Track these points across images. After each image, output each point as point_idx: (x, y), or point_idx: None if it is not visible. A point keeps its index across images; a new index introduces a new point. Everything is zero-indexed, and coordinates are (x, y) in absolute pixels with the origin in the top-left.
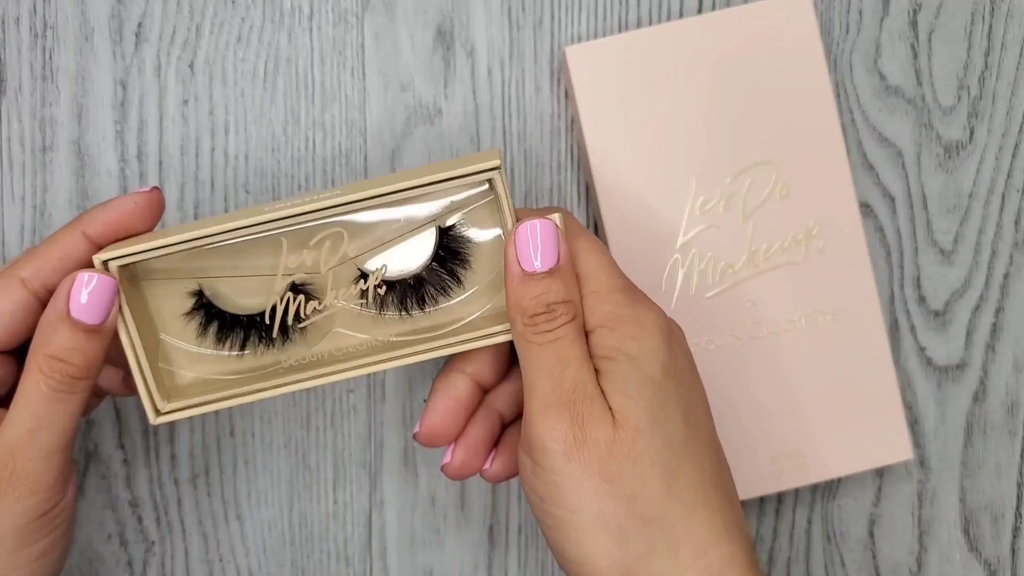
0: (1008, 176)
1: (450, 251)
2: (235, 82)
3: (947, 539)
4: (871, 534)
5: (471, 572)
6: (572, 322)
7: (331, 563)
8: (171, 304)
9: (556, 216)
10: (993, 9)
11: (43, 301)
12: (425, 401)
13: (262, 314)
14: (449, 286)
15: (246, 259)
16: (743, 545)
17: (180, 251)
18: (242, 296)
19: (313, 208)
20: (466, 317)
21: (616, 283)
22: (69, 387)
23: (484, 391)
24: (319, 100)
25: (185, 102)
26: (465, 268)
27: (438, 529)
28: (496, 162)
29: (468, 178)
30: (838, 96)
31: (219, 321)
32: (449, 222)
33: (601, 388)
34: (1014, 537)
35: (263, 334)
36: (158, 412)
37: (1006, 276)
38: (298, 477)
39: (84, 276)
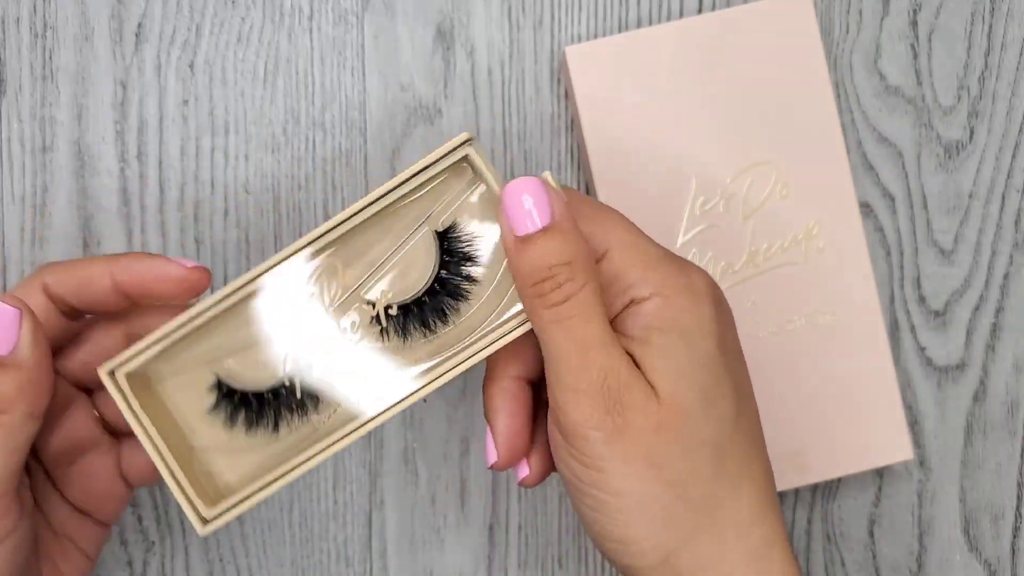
0: (1008, 176)
1: (455, 253)
2: (235, 82)
3: (947, 539)
4: (871, 534)
5: (471, 572)
6: (584, 290)
7: (331, 563)
8: (192, 404)
9: (546, 174)
10: (993, 9)
11: (58, 306)
12: (485, 418)
13: (284, 383)
14: (464, 290)
15: (252, 326)
16: (779, 520)
17: (183, 335)
18: (260, 368)
19: (295, 248)
20: (492, 315)
21: (659, 250)
22: (16, 396)
23: (535, 384)
24: (319, 100)
25: (185, 102)
26: (475, 266)
27: (438, 529)
28: (465, 135)
29: (443, 161)
30: (838, 96)
31: (245, 407)
32: (444, 224)
33: (645, 366)
34: (1014, 537)
35: (292, 404)
36: (204, 521)
37: (1006, 276)
38: (298, 478)
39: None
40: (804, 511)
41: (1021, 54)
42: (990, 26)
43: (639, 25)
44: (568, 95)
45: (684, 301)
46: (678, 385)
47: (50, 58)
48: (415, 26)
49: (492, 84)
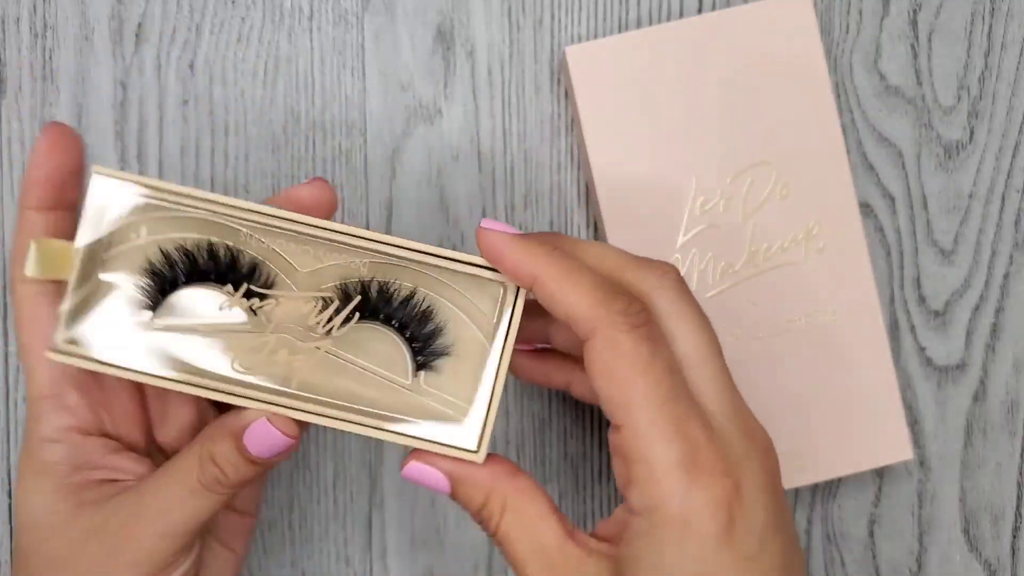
0: (1008, 176)
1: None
2: (235, 82)
3: (947, 539)
4: (871, 534)
5: (471, 572)
6: (501, 524)
7: (331, 563)
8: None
9: (429, 456)
10: (993, 9)
11: (63, 208)
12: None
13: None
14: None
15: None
16: None
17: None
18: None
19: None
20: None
21: (673, 451)
22: (215, 489)
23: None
24: (319, 100)
25: (185, 102)
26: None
27: (438, 529)
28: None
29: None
30: (838, 96)
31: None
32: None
33: None
34: (1014, 537)
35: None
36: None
37: (1006, 276)
38: (298, 477)
39: (267, 425)
40: (804, 511)
41: (1021, 54)
42: (990, 26)
43: (639, 25)
44: (568, 95)
45: (668, 534)
46: None
47: (50, 58)
48: (415, 26)
49: (492, 84)
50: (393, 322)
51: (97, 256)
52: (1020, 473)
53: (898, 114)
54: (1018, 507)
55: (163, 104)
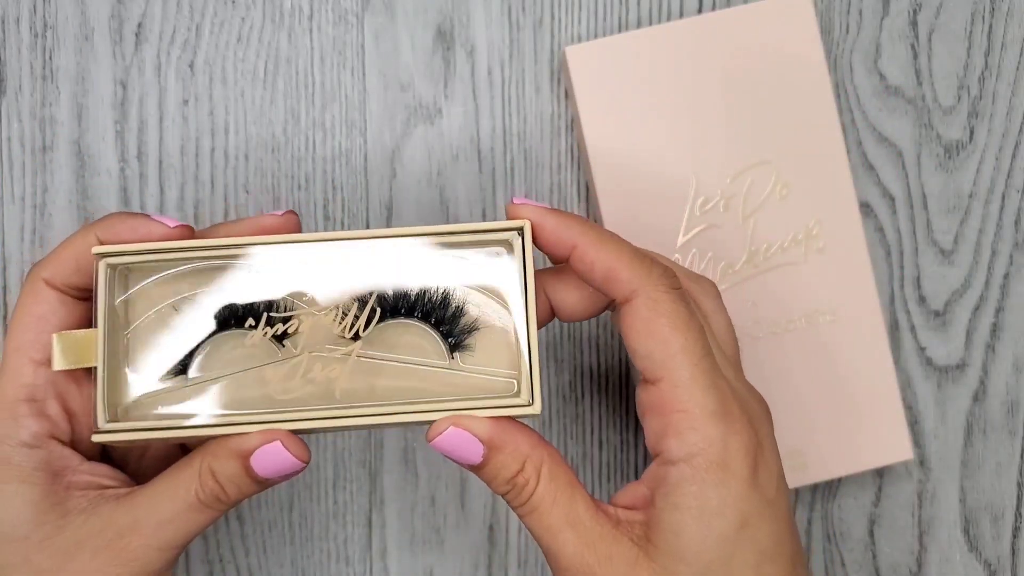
0: (1008, 176)
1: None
2: (235, 82)
3: (947, 539)
4: (871, 534)
5: (471, 572)
6: (539, 486)
7: (331, 563)
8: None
9: (469, 421)
10: (993, 9)
11: (68, 295)
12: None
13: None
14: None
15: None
16: None
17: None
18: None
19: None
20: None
21: (710, 400)
22: (213, 505)
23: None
24: (319, 100)
25: (185, 102)
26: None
27: (438, 529)
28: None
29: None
30: (838, 96)
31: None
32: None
33: (655, 534)
34: (1014, 537)
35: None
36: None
37: (1006, 276)
38: (298, 477)
39: (279, 445)
40: (804, 511)
41: (1021, 54)
42: (990, 26)
43: (639, 25)
44: (568, 95)
45: (711, 477)
46: (678, 567)
47: (50, 58)
48: (415, 26)
49: (492, 84)
50: (416, 313)
51: (119, 335)
52: (1020, 473)
53: (898, 114)
54: (1018, 507)
55: (163, 104)
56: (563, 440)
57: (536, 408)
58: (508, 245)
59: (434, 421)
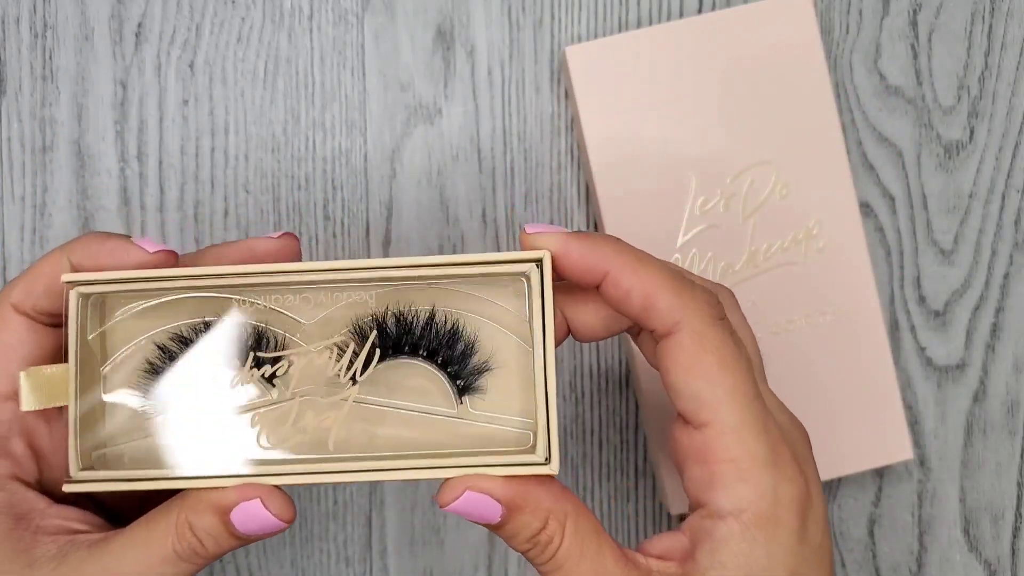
0: (1008, 176)
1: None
2: (235, 82)
3: (947, 539)
4: (871, 534)
5: (471, 572)
6: (563, 543)
7: (331, 563)
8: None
9: (484, 482)
10: (993, 9)
11: (38, 321)
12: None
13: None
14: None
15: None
16: None
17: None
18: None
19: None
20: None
21: (760, 448)
22: (191, 560)
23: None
24: (319, 100)
25: (185, 102)
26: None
27: (438, 529)
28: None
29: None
30: (838, 96)
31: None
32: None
33: None
34: (1014, 537)
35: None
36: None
37: (1006, 276)
38: None
39: (258, 504)
40: None
41: (1021, 54)
42: (990, 26)
43: (639, 25)
44: (568, 95)
45: (761, 535)
46: None
47: (50, 58)
48: (415, 26)
49: (492, 84)
50: (421, 351)
51: (94, 370)
52: (1020, 473)
53: (898, 114)
54: (1018, 507)
55: (163, 104)
56: (563, 440)
57: (554, 467)
58: (525, 278)
59: (440, 479)
